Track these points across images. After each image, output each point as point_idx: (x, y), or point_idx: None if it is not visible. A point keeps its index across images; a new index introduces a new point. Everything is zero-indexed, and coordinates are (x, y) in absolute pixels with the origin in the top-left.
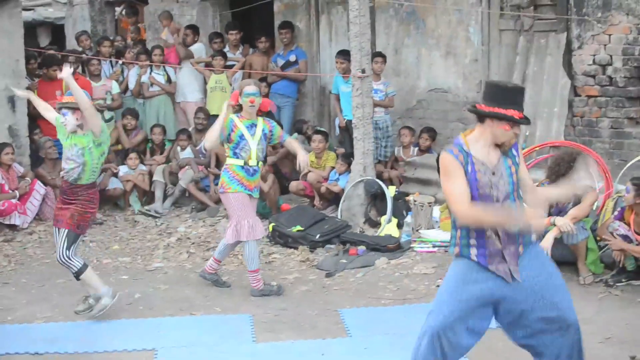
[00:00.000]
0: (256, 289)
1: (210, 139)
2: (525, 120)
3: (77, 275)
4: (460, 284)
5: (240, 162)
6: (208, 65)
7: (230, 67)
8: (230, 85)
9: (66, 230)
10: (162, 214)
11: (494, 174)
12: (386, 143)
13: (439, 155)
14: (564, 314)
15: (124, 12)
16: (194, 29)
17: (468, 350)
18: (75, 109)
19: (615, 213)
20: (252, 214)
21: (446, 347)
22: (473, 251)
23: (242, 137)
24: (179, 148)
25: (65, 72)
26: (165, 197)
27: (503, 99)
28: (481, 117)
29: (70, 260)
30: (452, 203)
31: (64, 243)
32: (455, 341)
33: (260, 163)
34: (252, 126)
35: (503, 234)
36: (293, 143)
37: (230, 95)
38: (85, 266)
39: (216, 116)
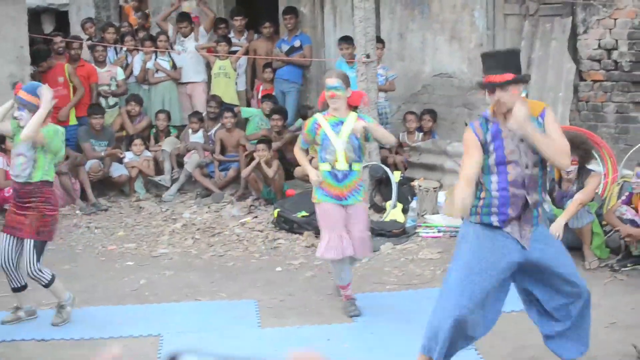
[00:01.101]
0: (343, 301)
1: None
2: (515, 80)
3: (47, 286)
4: (478, 257)
5: (327, 167)
6: (211, 50)
7: (235, 52)
8: (235, 70)
9: (31, 241)
10: (171, 195)
11: (522, 140)
12: (385, 129)
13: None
14: (578, 281)
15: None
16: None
17: (493, 324)
18: (32, 111)
19: (623, 197)
20: (334, 228)
21: (470, 328)
22: (494, 217)
23: (325, 137)
24: (190, 130)
25: (47, 97)
26: (172, 181)
27: (487, 67)
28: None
29: (41, 272)
30: (459, 181)
31: (32, 255)
32: (478, 320)
33: (356, 164)
34: (338, 124)
35: (532, 200)
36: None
37: (234, 81)
38: (54, 277)
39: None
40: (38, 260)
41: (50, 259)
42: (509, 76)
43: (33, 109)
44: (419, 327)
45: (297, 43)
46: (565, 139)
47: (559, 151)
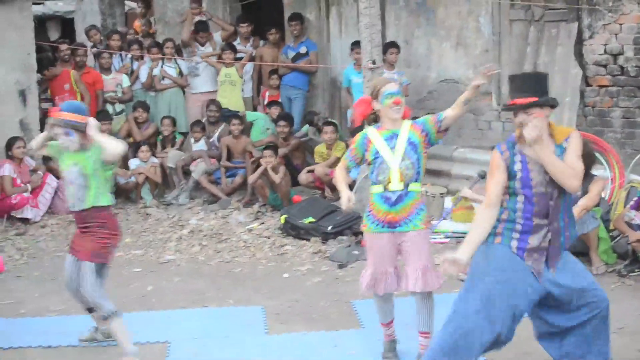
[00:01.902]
0: (384, 342)
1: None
2: (537, 103)
3: (105, 318)
4: (508, 271)
5: (379, 189)
6: (217, 58)
7: (240, 59)
8: (241, 78)
9: (86, 264)
10: (181, 203)
11: (547, 172)
12: None
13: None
14: (597, 293)
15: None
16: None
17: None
18: (82, 131)
19: (632, 203)
20: (379, 265)
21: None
22: (514, 243)
23: (377, 154)
24: (192, 140)
25: (93, 128)
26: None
27: (513, 90)
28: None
29: (101, 299)
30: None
31: (87, 278)
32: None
33: (414, 184)
34: (392, 137)
35: (552, 230)
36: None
37: (239, 89)
38: (116, 312)
39: (226, 109)
40: (94, 283)
41: (57, 265)
42: (533, 99)
43: (82, 128)
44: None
45: (303, 49)
46: (580, 162)
47: (567, 173)
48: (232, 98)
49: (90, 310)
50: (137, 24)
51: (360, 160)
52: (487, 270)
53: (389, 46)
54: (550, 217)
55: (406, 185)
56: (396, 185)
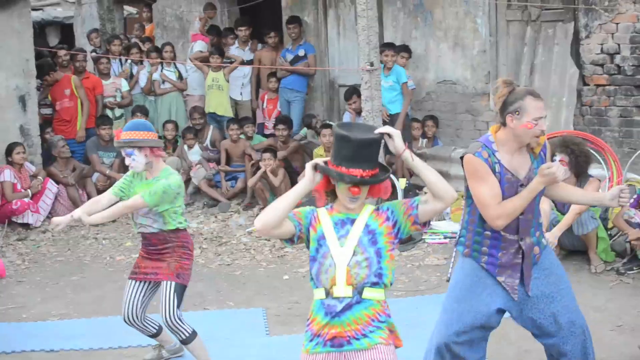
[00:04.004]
0: None
1: (266, 217)
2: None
3: (186, 342)
4: (469, 291)
5: (320, 293)
6: (205, 61)
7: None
8: (227, 82)
9: (171, 284)
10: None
11: (522, 185)
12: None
13: (462, 157)
14: (572, 316)
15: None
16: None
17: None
18: (141, 146)
19: (631, 201)
20: None
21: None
22: (483, 258)
23: (321, 241)
24: (186, 147)
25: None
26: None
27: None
28: (504, 119)
29: (181, 322)
30: (484, 207)
31: (171, 300)
32: (465, 353)
33: (373, 290)
34: (345, 223)
35: (525, 247)
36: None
37: (227, 93)
38: (195, 333)
39: (212, 114)
40: (178, 306)
41: (59, 270)
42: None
43: (142, 144)
44: (426, 333)
45: (301, 52)
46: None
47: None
48: (220, 103)
49: (154, 336)
50: (148, 28)
51: (304, 232)
52: (451, 286)
53: (402, 49)
54: (520, 232)
55: (358, 291)
56: (342, 289)
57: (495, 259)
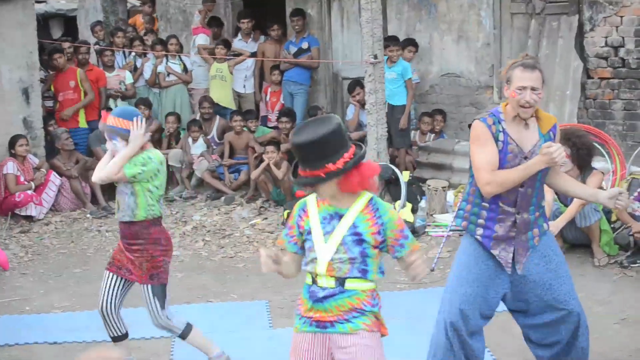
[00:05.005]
0: None
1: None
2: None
3: (183, 337)
4: (469, 267)
5: (308, 279)
6: (212, 54)
7: (238, 55)
8: (231, 74)
9: (148, 287)
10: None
11: (526, 158)
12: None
13: (470, 125)
14: (568, 305)
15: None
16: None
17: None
18: (126, 138)
19: (635, 194)
20: None
21: (464, 335)
22: (479, 230)
23: (308, 235)
24: (190, 140)
25: (133, 137)
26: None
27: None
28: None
29: (170, 320)
30: (477, 171)
31: (154, 303)
32: (470, 328)
33: (356, 281)
34: (332, 218)
35: (520, 221)
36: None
37: (230, 84)
38: (190, 326)
39: (217, 104)
40: (162, 306)
41: (62, 262)
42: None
43: (126, 135)
44: (429, 326)
45: (304, 45)
46: (565, 177)
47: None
48: (223, 94)
49: (117, 339)
50: (140, 20)
51: (301, 241)
52: (453, 265)
53: (408, 44)
54: (518, 205)
55: (340, 283)
56: (324, 281)
57: (491, 232)
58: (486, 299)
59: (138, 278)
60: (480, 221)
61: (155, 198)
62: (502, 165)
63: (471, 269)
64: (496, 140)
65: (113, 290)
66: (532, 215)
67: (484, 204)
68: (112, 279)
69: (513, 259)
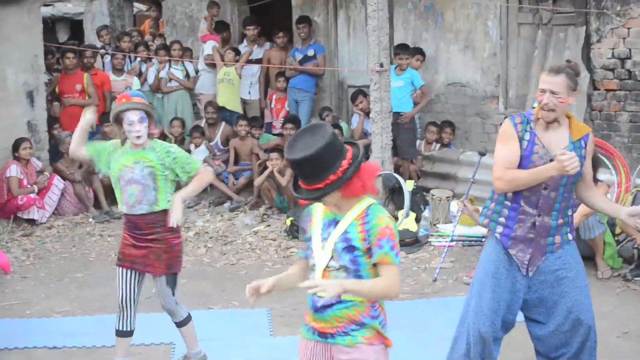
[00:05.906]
0: None
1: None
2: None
3: (180, 324)
4: (494, 274)
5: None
6: (222, 59)
7: (248, 61)
8: (239, 78)
9: (164, 277)
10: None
11: (551, 160)
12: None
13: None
14: (581, 314)
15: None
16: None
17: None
18: (150, 115)
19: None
20: None
21: (490, 342)
22: (499, 228)
23: (310, 242)
24: (192, 146)
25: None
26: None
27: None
28: None
29: (178, 305)
30: (494, 165)
31: (168, 292)
32: (496, 334)
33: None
34: (330, 224)
35: (540, 224)
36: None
37: (237, 88)
38: (190, 317)
39: (223, 109)
40: (173, 293)
41: (63, 267)
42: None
43: (153, 113)
44: (432, 336)
45: (310, 52)
46: (590, 168)
47: None
48: (231, 98)
49: (123, 334)
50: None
51: (309, 247)
52: (477, 271)
53: (416, 52)
54: (539, 207)
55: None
56: None
57: (510, 231)
58: (509, 305)
59: (155, 270)
60: (501, 219)
61: (172, 188)
62: (525, 165)
63: (495, 275)
64: (521, 139)
65: (131, 284)
66: (555, 221)
67: (506, 202)
68: (126, 274)
69: (529, 261)
